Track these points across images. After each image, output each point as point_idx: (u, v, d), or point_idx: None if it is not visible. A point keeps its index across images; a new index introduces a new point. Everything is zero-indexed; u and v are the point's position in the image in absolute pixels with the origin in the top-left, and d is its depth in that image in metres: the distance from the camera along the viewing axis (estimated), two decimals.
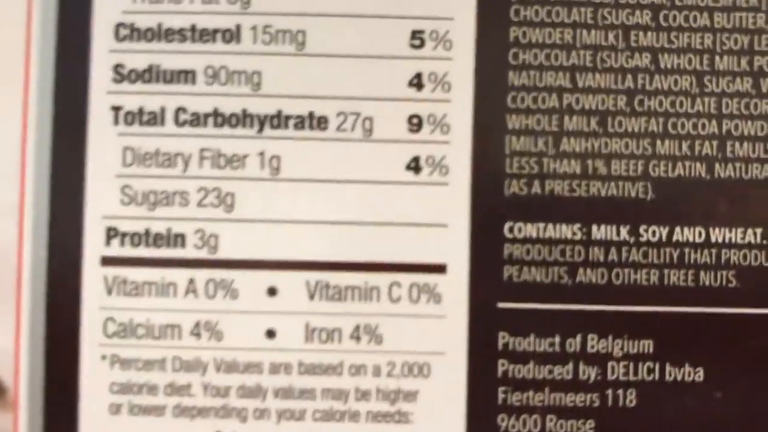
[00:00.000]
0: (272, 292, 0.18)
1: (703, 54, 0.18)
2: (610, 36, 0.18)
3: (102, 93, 0.18)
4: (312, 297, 0.18)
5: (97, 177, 0.18)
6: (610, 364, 0.18)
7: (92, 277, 0.18)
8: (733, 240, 0.18)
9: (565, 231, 0.18)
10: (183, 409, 0.18)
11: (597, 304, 0.18)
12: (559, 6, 0.18)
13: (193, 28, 0.18)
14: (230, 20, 0.18)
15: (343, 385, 0.18)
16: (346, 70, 0.18)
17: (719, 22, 0.18)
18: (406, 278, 0.18)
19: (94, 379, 0.18)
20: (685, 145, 0.18)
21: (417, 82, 0.18)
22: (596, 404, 0.18)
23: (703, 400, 0.18)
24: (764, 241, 0.18)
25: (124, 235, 0.18)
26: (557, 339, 0.18)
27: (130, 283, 0.18)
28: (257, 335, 0.18)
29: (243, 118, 0.18)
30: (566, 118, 0.18)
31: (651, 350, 0.18)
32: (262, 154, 0.18)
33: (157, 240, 0.18)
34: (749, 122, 0.18)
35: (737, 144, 0.18)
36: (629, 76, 0.18)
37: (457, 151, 0.18)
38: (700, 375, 0.18)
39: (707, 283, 0.18)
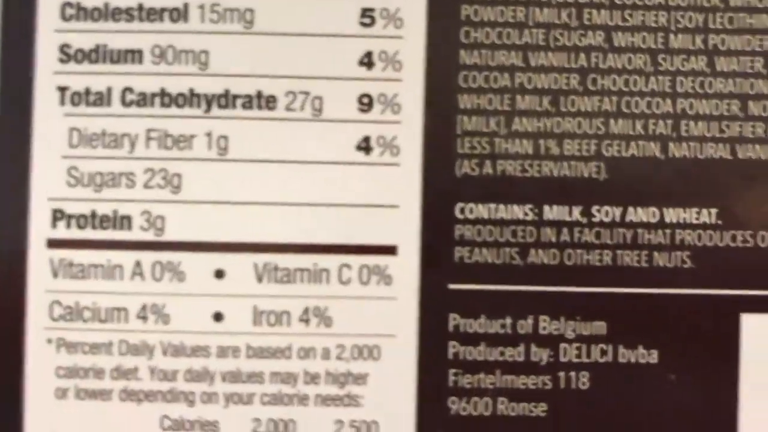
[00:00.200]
0: (219, 274, 0.18)
1: (657, 32, 0.18)
2: (563, 14, 0.18)
3: (48, 73, 0.18)
4: (260, 279, 0.18)
5: (43, 158, 0.18)
6: (562, 346, 0.18)
7: (38, 259, 0.18)
8: (688, 220, 0.18)
9: (517, 211, 0.18)
10: (130, 393, 0.18)
11: (549, 285, 0.18)
12: None
13: (140, 8, 0.18)
14: None
15: (291, 368, 0.18)
16: (295, 48, 0.18)
17: (674, 0, 0.18)
18: (356, 260, 0.18)
19: (40, 363, 0.18)
20: (638, 125, 0.18)
21: (367, 61, 0.18)
22: (548, 387, 0.18)
23: (657, 383, 0.18)
24: (719, 221, 0.18)
25: (70, 217, 0.18)
26: (509, 321, 0.18)
27: (77, 265, 0.18)
28: (204, 318, 0.18)
29: (190, 98, 0.18)
30: (518, 97, 0.18)
31: (604, 332, 0.18)
32: (209, 134, 0.18)
33: (104, 222, 0.18)
34: (704, 101, 0.18)
35: (692, 123, 0.18)
36: (582, 55, 0.18)
37: (408, 131, 0.18)
38: (654, 357, 0.18)
39: (661, 263, 0.18)
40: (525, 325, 0.18)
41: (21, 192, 0.18)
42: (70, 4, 0.18)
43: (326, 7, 0.18)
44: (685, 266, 0.18)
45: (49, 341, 0.18)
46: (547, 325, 0.18)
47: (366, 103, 0.18)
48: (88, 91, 0.18)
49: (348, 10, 0.18)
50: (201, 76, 0.18)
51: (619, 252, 0.18)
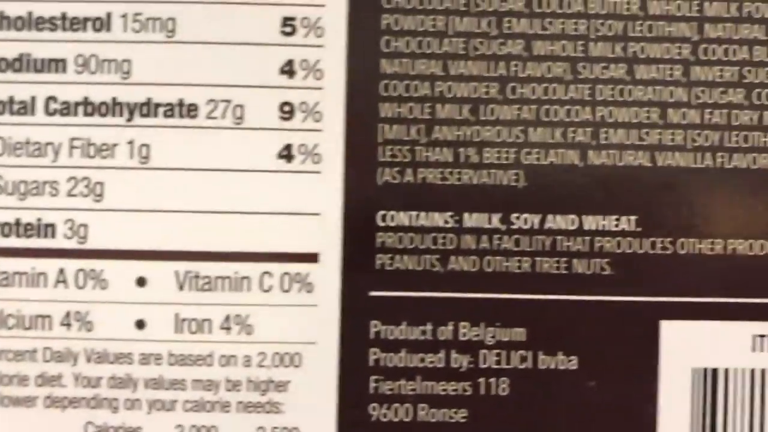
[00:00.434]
0: (141, 282, 0.18)
1: (577, 40, 0.18)
2: (483, 23, 0.18)
3: None
4: (181, 287, 0.18)
5: None
6: (482, 352, 0.18)
7: None
8: (607, 227, 0.18)
9: (437, 219, 0.18)
10: (54, 400, 0.18)
11: (469, 291, 0.18)
12: None
13: (63, 17, 0.18)
14: (101, 8, 0.18)
15: (213, 375, 0.18)
16: (217, 57, 0.18)
17: (593, 8, 0.18)
18: (277, 268, 0.18)
19: None
20: (558, 133, 0.18)
21: (288, 70, 0.18)
22: (468, 393, 0.18)
23: (577, 389, 0.18)
24: (638, 229, 0.18)
25: None
26: (429, 327, 0.18)
27: (1, 273, 0.18)
28: (127, 325, 0.18)
29: (113, 107, 0.18)
30: (438, 106, 0.18)
31: (524, 338, 0.18)
32: (131, 142, 0.18)
33: (28, 230, 0.18)
34: (623, 109, 0.18)
35: (611, 131, 0.18)
36: (502, 64, 0.18)
37: (330, 139, 0.18)
38: (574, 363, 0.18)
39: (580, 270, 0.18)
40: (445, 332, 0.18)
41: None
42: None
43: (248, 16, 0.18)
44: (605, 273, 0.18)
45: None
46: (467, 332, 0.18)
47: (287, 111, 0.18)
48: (11, 100, 0.18)
49: (269, 19, 0.18)
50: (124, 85, 0.18)
51: (538, 259, 0.18)
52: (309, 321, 0.18)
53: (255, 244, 0.18)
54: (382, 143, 0.18)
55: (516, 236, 0.18)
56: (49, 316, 0.18)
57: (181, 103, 0.18)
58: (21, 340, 0.18)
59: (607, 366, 0.18)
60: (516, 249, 0.18)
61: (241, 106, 0.18)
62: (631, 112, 0.18)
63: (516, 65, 0.18)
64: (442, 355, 0.18)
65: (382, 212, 0.18)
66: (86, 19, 0.18)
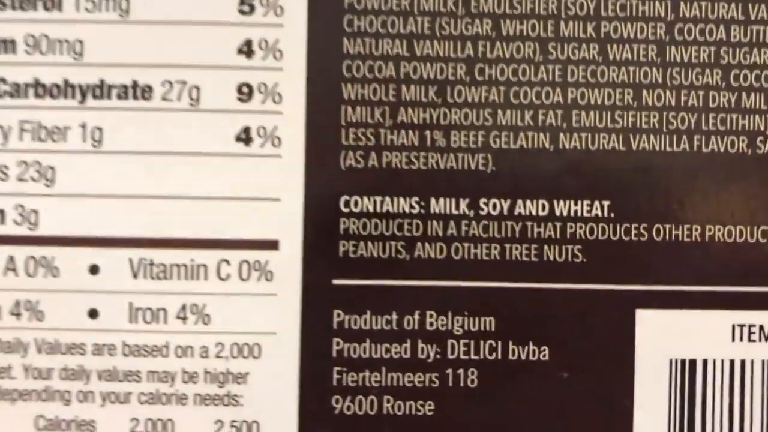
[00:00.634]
0: (94, 270, 0.17)
1: (547, 20, 0.17)
2: (449, 2, 0.17)
3: None
4: (135, 275, 0.17)
5: None
6: (449, 342, 0.17)
7: None
8: (579, 213, 0.17)
9: (403, 204, 0.17)
10: (3, 392, 0.17)
11: (436, 279, 0.17)
12: None
13: None
14: None
15: (169, 367, 0.17)
16: (172, 37, 0.17)
17: None
18: (235, 255, 0.17)
19: None
20: (527, 115, 0.17)
21: (247, 50, 0.17)
22: (435, 384, 0.17)
23: (548, 381, 0.17)
24: (611, 214, 0.17)
25: None
26: (394, 316, 0.17)
27: None
28: (79, 315, 0.17)
29: (64, 89, 0.17)
30: (404, 87, 0.17)
31: (493, 328, 0.17)
32: (83, 125, 0.17)
33: None
34: (595, 90, 0.17)
35: (583, 113, 0.17)
36: (469, 44, 0.17)
37: (290, 121, 0.17)
38: (545, 354, 0.17)
39: (552, 257, 0.17)
40: (411, 321, 0.17)
41: None
42: None
43: None
44: (577, 260, 0.17)
45: None
46: (434, 321, 0.17)
47: (246, 92, 0.17)
48: None
49: None
50: (76, 66, 0.17)
51: (507, 246, 0.17)
52: (269, 310, 0.17)
53: (212, 230, 0.17)
54: (345, 126, 0.17)
55: (485, 222, 0.17)
56: None
57: (135, 85, 0.17)
58: None
59: (580, 357, 0.17)
60: (485, 235, 0.17)
61: (197, 87, 0.17)
62: (603, 93, 0.17)
63: (484, 45, 0.17)
64: (408, 345, 0.17)
65: (345, 197, 0.17)
66: None
